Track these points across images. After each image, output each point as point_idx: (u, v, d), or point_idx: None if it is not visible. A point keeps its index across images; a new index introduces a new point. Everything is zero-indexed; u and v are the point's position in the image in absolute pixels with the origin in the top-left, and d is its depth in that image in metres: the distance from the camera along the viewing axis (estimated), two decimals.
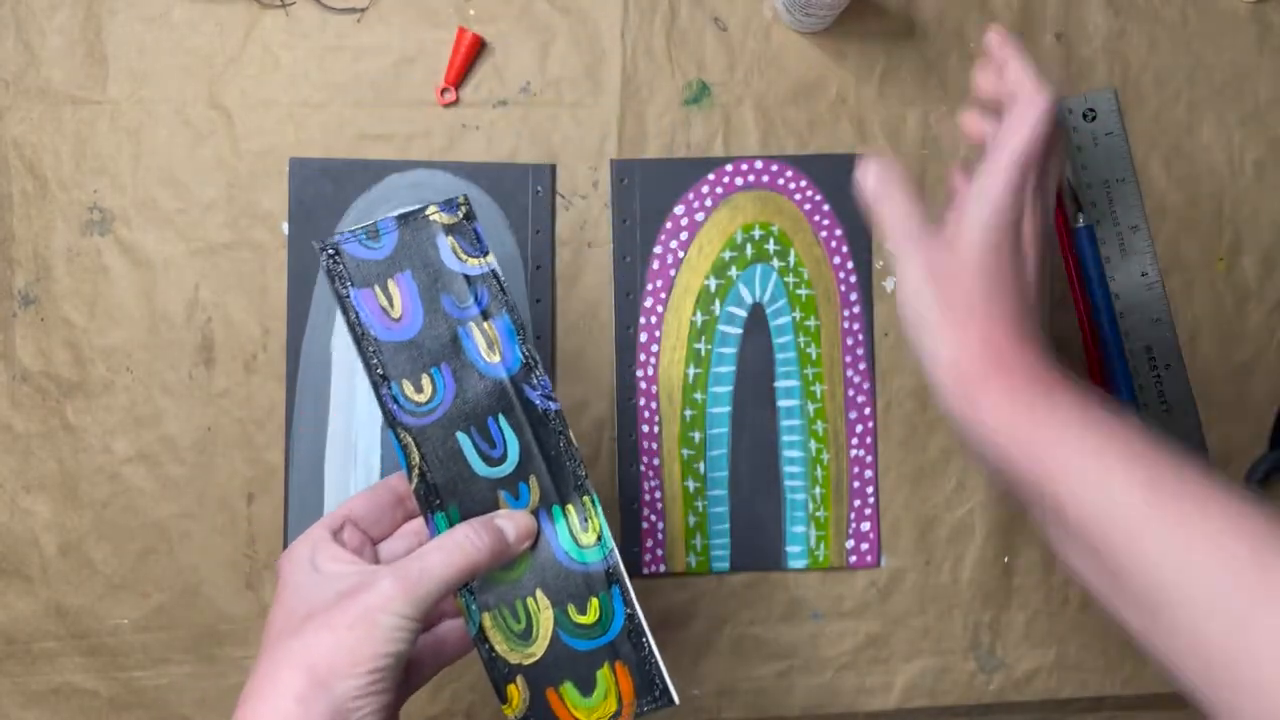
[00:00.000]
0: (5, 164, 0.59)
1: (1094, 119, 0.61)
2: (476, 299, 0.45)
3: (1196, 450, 0.61)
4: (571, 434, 0.45)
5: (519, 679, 0.44)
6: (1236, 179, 0.62)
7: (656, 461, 0.60)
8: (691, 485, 0.60)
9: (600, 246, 0.60)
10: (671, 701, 0.44)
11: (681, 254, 0.60)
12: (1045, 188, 0.46)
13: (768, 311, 0.60)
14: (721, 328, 0.60)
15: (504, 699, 0.44)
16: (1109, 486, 0.38)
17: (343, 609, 0.39)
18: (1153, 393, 0.61)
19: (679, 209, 0.60)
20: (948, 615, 0.60)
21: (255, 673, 0.39)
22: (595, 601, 0.45)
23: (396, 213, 0.46)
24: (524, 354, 0.45)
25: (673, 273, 0.60)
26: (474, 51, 0.60)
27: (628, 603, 0.45)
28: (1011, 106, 0.45)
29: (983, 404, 0.42)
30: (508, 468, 0.45)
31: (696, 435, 0.60)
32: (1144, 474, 0.38)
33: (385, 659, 0.39)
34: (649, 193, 0.60)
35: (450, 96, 0.60)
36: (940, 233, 0.45)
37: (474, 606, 0.44)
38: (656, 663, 0.45)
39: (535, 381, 0.45)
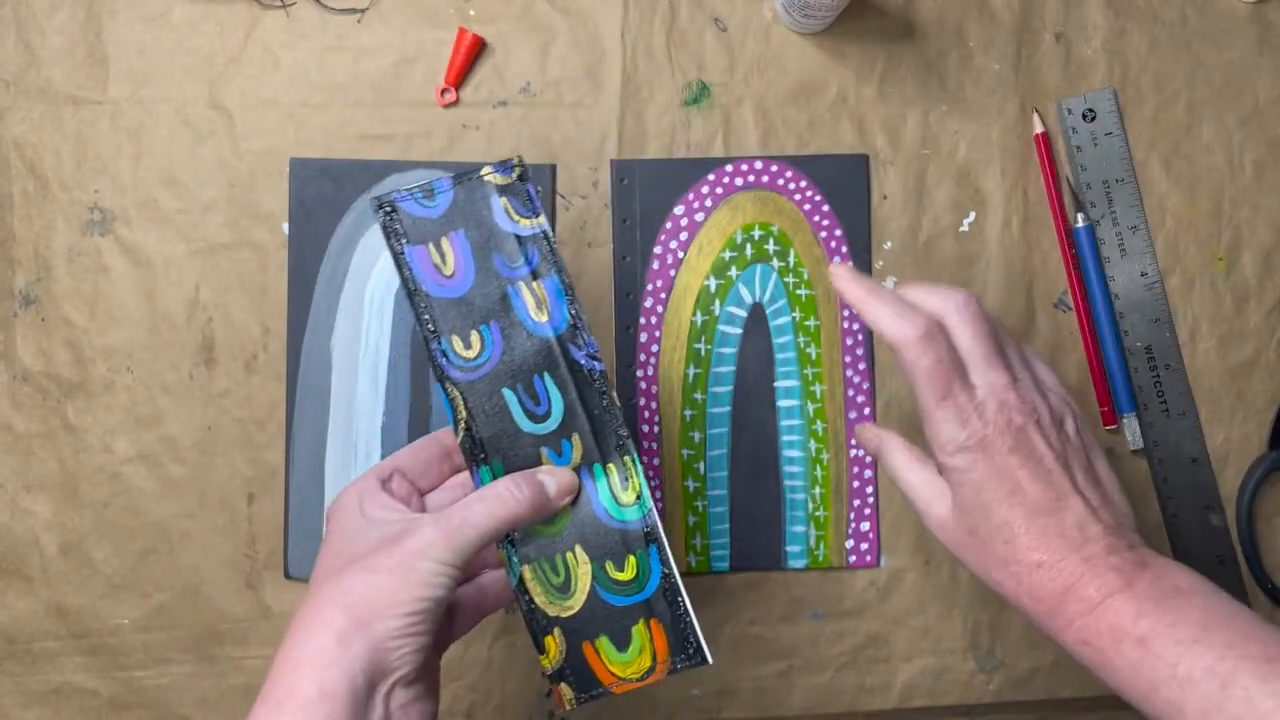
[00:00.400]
0: (6, 164, 0.59)
1: (1094, 119, 0.61)
2: (527, 259, 0.46)
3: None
4: (615, 394, 0.46)
5: (556, 631, 0.45)
6: (1236, 179, 0.62)
7: (656, 461, 0.60)
8: (691, 485, 0.60)
9: (600, 246, 0.60)
10: (705, 660, 0.45)
11: (681, 254, 0.60)
12: (1005, 365, 0.46)
13: (768, 312, 0.60)
14: (721, 328, 0.60)
15: (541, 650, 0.45)
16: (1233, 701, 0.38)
17: (385, 553, 0.41)
18: (1153, 393, 0.61)
19: (679, 209, 0.60)
20: (947, 615, 0.60)
21: (299, 613, 0.40)
22: (632, 559, 0.45)
23: (451, 174, 0.47)
24: (571, 314, 0.46)
25: (673, 273, 0.60)
26: (474, 52, 0.60)
27: (664, 562, 0.45)
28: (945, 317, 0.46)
29: (1072, 629, 0.42)
30: (551, 424, 0.46)
31: (696, 435, 0.60)
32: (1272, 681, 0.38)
33: (424, 602, 0.40)
34: (649, 193, 0.60)
35: (450, 97, 0.60)
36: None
37: (515, 558, 0.45)
38: (691, 622, 0.45)
39: (581, 341, 0.46)
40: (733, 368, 0.60)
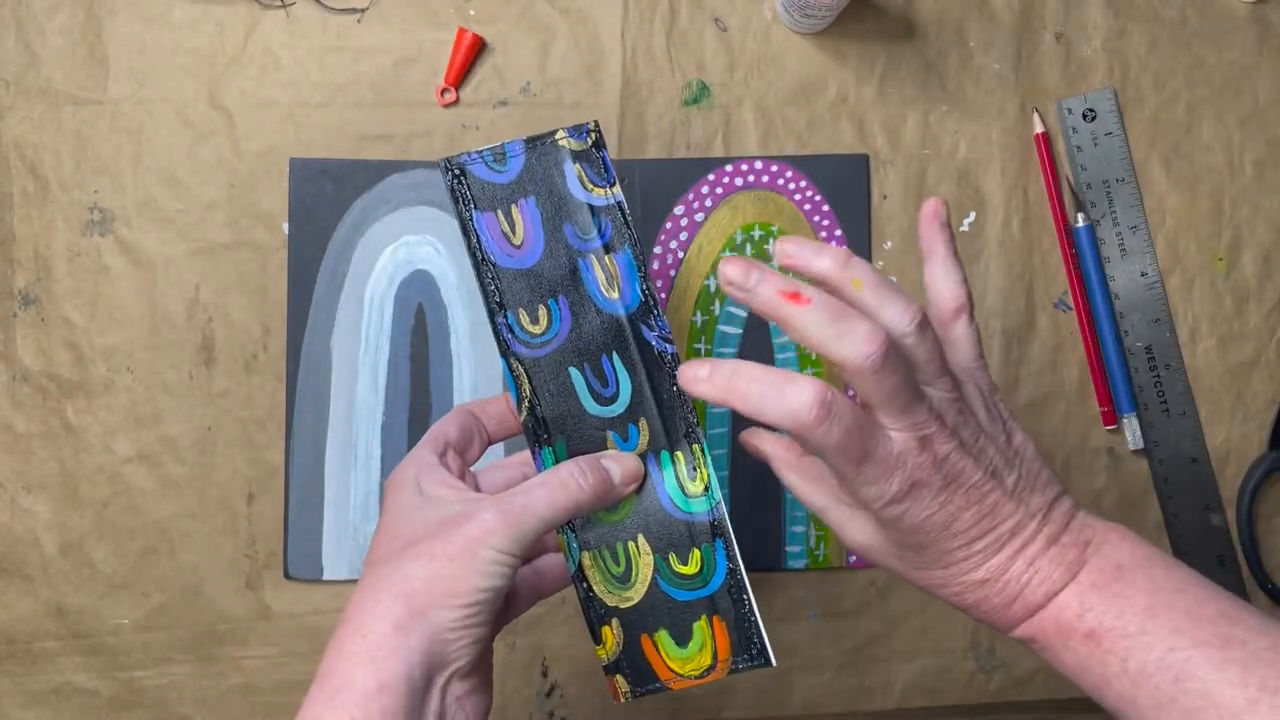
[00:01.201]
0: (6, 164, 0.59)
1: (1094, 119, 0.61)
2: (600, 231, 0.44)
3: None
4: None
5: (614, 622, 0.43)
6: (1236, 179, 0.62)
7: None
8: None
9: None
10: (769, 662, 0.43)
11: (681, 254, 0.60)
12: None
13: None
14: (721, 328, 0.60)
15: (598, 640, 0.43)
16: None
17: (445, 538, 0.39)
18: (1153, 393, 0.61)
19: (679, 209, 0.60)
20: (947, 615, 0.60)
21: (354, 597, 0.39)
22: (697, 553, 0.43)
23: (525, 136, 0.45)
24: (644, 292, 0.44)
25: (673, 273, 0.60)
26: (474, 52, 0.60)
27: (731, 557, 0.43)
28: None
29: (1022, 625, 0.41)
30: (619, 408, 0.44)
31: None
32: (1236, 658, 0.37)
33: (483, 593, 0.38)
34: (649, 193, 0.60)
35: (450, 97, 0.60)
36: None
37: (575, 544, 0.43)
38: (756, 621, 0.43)
39: (653, 322, 0.44)
40: None
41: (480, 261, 0.44)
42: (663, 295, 0.60)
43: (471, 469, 0.45)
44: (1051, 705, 0.61)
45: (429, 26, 0.60)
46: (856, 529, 0.43)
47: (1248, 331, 0.61)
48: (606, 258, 0.44)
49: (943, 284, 0.42)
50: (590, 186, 0.44)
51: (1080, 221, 0.61)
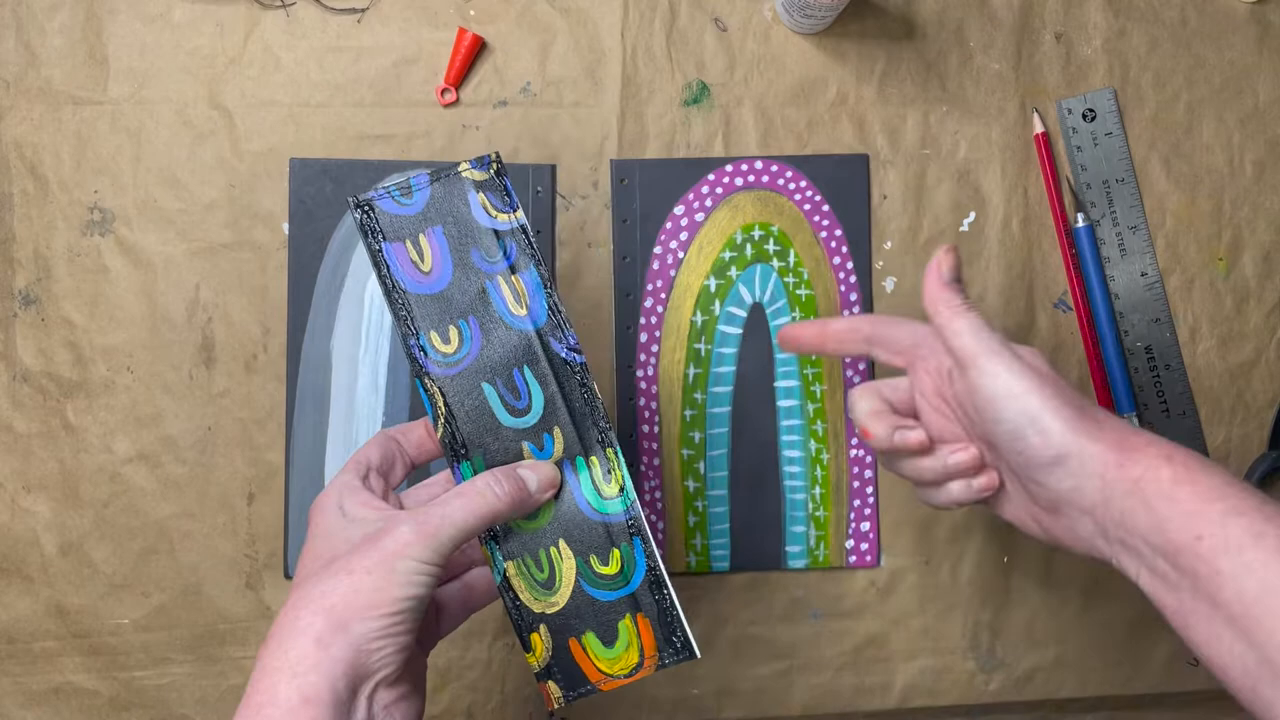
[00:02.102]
0: (6, 164, 0.59)
1: (1094, 119, 0.61)
2: (505, 253, 0.46)
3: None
4: (596, 387, 0.46)
5: (542, 628, 0.45)
6: (1236, 179, 0.62)
7: (656, 461, 0.60)
8: (691, 485, 0.60)
9: (600, 247, 0.60)
10: (693, 654, 0.45)
11: (681, 254, 0.60)
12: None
13: (768, 312, 0.60)
14: (721, 328, 0.60)
15: (528, 648, 0.45)
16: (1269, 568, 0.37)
17: (362, 553, 0.40)
18: (1153, 393, 0.61)
19: (679, 209, 0.60)
20: (947, 615, 0.60)
21: (279, 616, 0.40)
22: (617, 553, 0.45)
23: (429, 170, 0.47)
24: (550, 306, 0.46)
25: (673, 273, 0.60)
26: (474, 52, 0.60)
27: (649, 555, 0.45)
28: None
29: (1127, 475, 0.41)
30: (532, 419, 0.45)
31: (696, 435, 0.60)
32: None
33: (404, 602, 0.39)
34: (649, 193, 0.60)
35: (450, 97, 0.60)
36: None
37: (499, 554, 0.45)
38: (678, 615, 0.45)
39: (561, 334, 0.46)
40: (733, 368, 0.60)
41: (390, 289, 0.45)
42: (663, 295, 0.60)
43: (395, 491, 0.46)
44: (1052, 705, 0.61)
45: (429, 26, 0.60)
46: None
47: (1248, 331, 0.61)
48: (513, 278, 0.46)
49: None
50: (494, 213, 0.46)
51: (1080, 221, 0.61)
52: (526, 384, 0.45)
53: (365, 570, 0.39)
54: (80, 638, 0.58)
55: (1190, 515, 0.38)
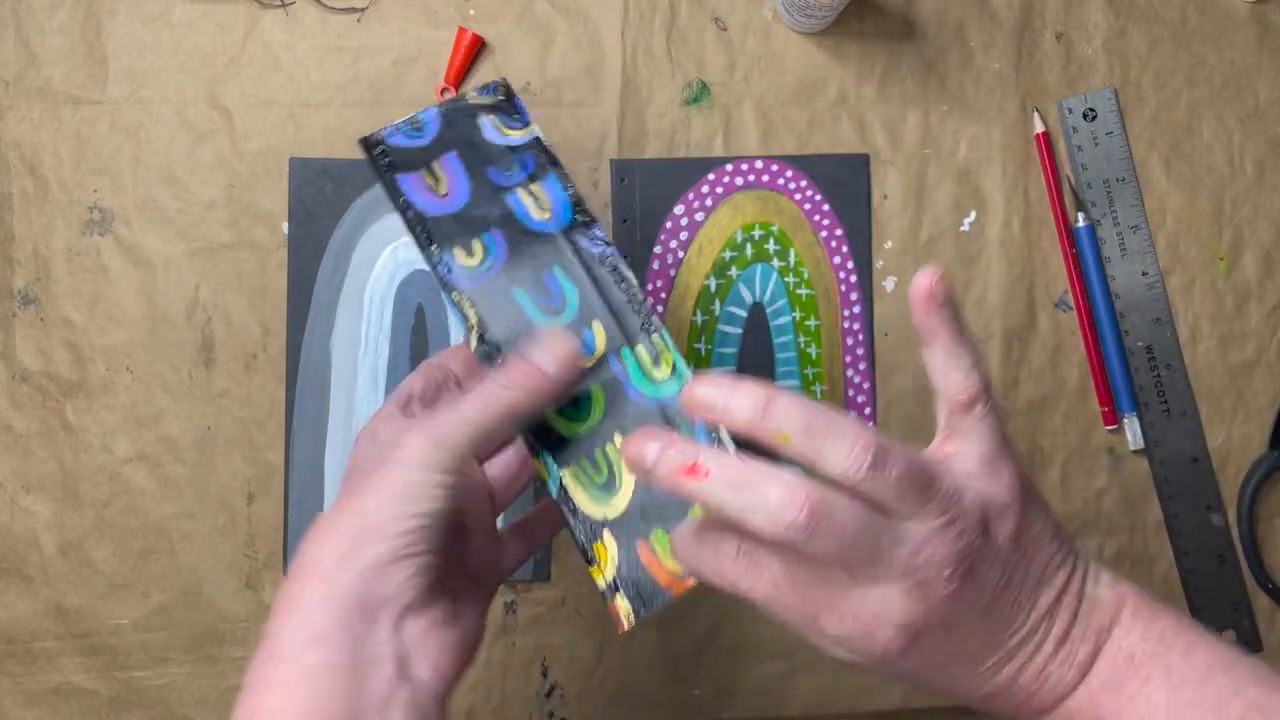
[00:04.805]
0: (5, 164, 0.59)
1: (1094, 119, 0.61)
2: (523, 165, 0.45)
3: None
4: (632, 276, 0.44)
5: (606, 534, 0.41)
6: (1237, 179, 0.62)
7: None
8: None
9: None
10: None
11: (681, 254, 0.60)
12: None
13: (768, 311, 0.60)
14: (721, 328, 0.60)
15: (592, 560, 0.41)
16: None
17: (374, 474, 0.37)
18: (1153, 392, 0.61)
19: (679, 209, 0.60)
20: None
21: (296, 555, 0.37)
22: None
23: (436, 105, 0.46)
24: (574, 208, 0.45)
25: (673, 273, 0.60)
26: (474, 51, 0.60)
27: (711, 429, 0.42)
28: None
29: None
30: (568, 315, 0.43)
31: None
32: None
33: (414, 519, 0.36)
34: (649, 193, 0.60)
35: (450, 96, 0.60)
36: None
37: (553, 464, 0.42)
38: None
39: (588, 231, 0.45)
40: (733, 368, 0.60)
41: (408, 216, 0.44)
42: (663, 295, 0.60)
43: None
44: None
45: (429, 26, 0.60)
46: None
47: (1248, 331, 0.61)
48: (533, 186, 0.45)
49: (950, 373, 0.37)
50: (506, 131, 0.46)
51: (1081, 221, 0.61)
52: (559, 283, 0.44)
53: (372, 489, 0.36)
54: (80, 638, 0.58)
55: None
